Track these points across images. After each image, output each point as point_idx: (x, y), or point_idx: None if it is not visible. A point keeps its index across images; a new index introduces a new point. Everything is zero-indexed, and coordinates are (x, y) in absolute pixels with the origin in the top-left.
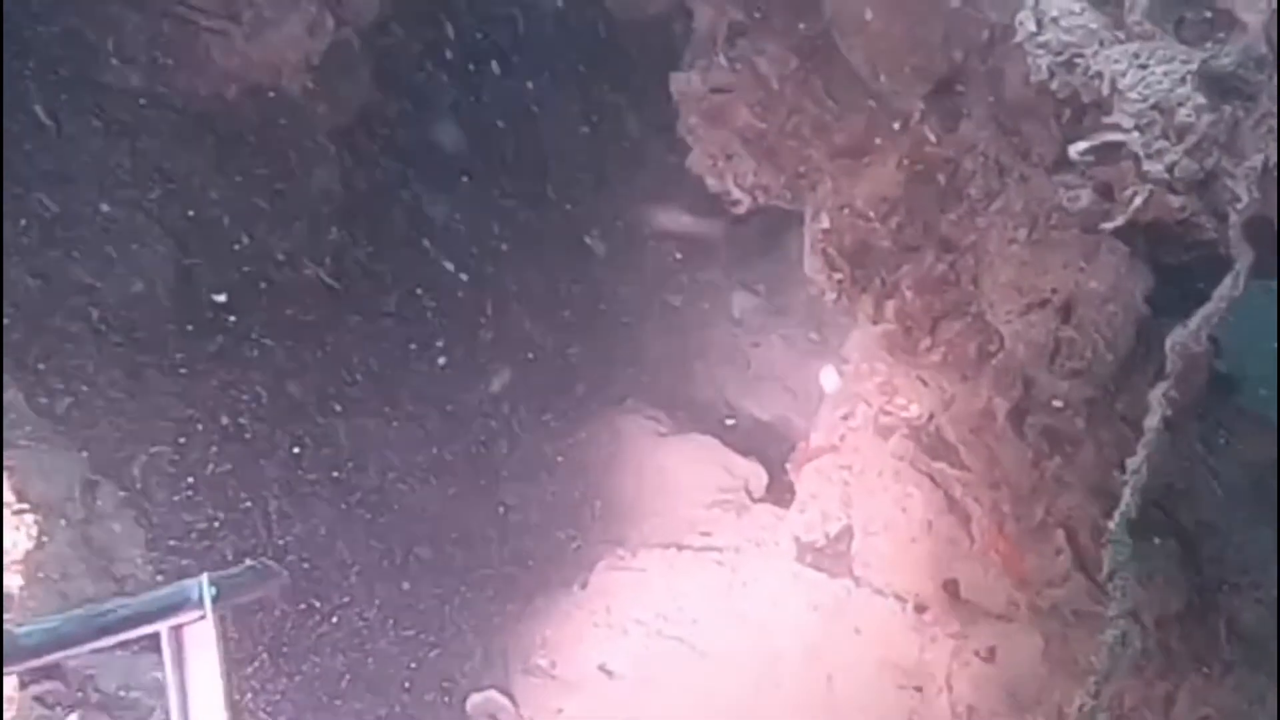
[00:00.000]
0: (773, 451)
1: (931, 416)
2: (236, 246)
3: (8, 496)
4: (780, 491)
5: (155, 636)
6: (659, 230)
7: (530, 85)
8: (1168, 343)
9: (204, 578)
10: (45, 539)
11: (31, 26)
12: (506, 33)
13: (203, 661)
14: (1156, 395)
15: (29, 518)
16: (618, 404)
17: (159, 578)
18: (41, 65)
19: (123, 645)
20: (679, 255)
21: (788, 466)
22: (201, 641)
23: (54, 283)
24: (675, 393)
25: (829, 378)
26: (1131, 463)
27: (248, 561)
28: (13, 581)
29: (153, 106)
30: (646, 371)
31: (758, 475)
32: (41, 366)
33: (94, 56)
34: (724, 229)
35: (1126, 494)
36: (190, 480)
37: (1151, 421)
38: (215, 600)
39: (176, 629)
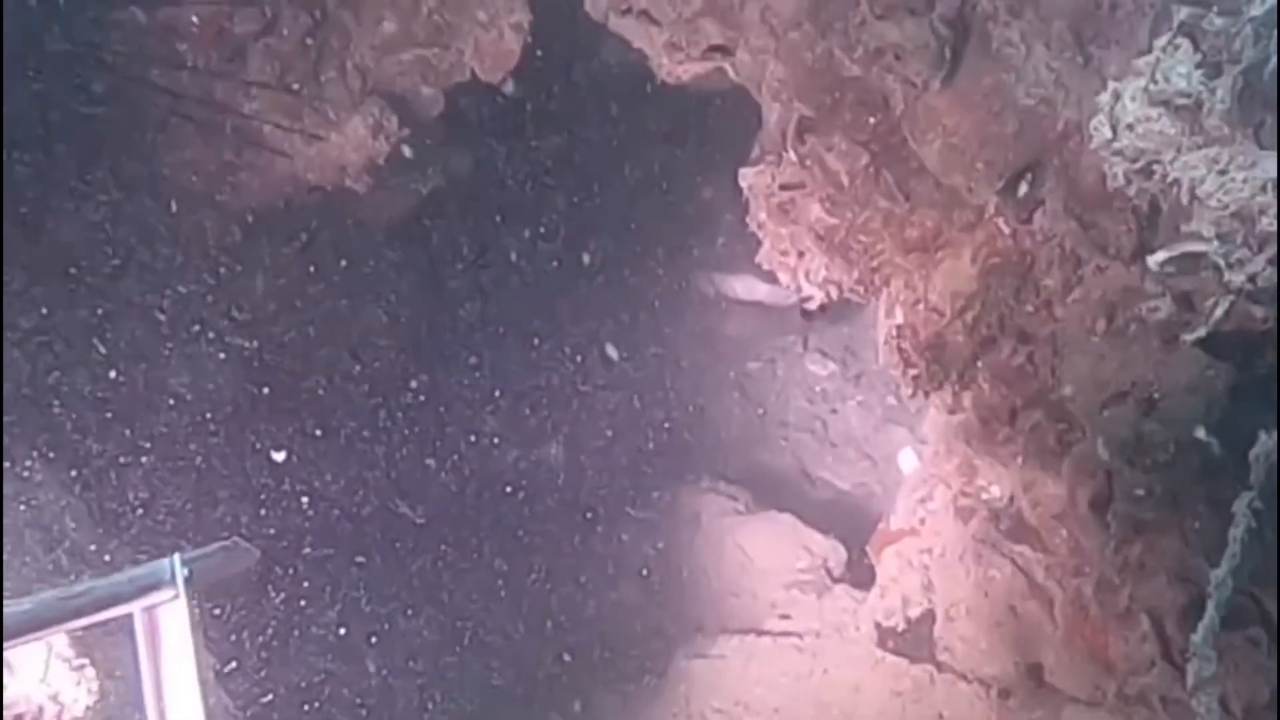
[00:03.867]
0: (852, 522)
1: (1012, 499)
2: (301, 351)
3: (67, 650)
4: (860, 569)
5: None
6: (733, 298)
7: (599, 158)
8: (1251, 454)
9: (176, 557)
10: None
11: (93, 132)
12: (572, 115)
13: (176, 641)
14: (1241, 506)
15: (89, 671)
16: (695, 482)
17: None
18: (102, 168)
19: None
20: (754, 322)
21: (868, 550)
22: (175, 621)
23: (112, 394)
24: (752, 465)
25: (907, 460)
26: (1215, 575)
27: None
28: None
29: (214, 209)
30: (723, 443)
31: (837, 553)
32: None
33: (153, 157)
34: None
35: (1210, 608)
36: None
37: (1236, 532)
38: (188, 581)
39: (150, 609)
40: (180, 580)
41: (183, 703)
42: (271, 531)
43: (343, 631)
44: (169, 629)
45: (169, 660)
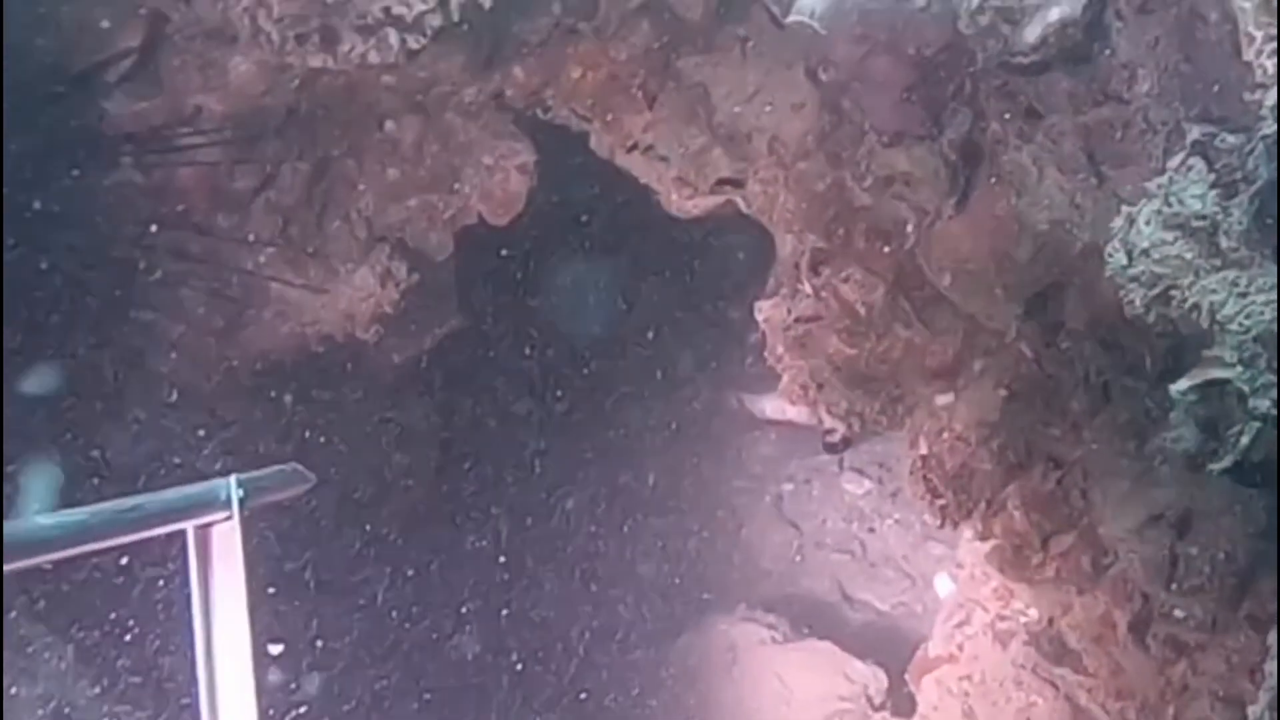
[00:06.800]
0: (894, 644)
1: (1051, 621)
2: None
3: None
4: (901, 695)
5: None
6: (764, 418)
7: (620, 283)
8: None
9: (232, 478)
10: None
11: (92, 296)
12: (585, 249)
13: (227, 562)
14: (1274, 638)
15: None
16: (731, 611)
17: None
18: (102, 332)
19: None
20: (787, 443)
21: (906, 676)
22: (226, 542)
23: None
24: (790, 589)
25: (943, 584)
26: (1252, 711)
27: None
28: None
29: (220, 368)
30: (760, 569)
31: (878, 679)
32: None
33: (156, 319)
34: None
35: None
36: None
37: (1272, 665)
38: (242, 502)
39: (203, 528)
40: (235, 501)
41: (230, 623)
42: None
43: None
44: (221, 550)
45: (219, 581)
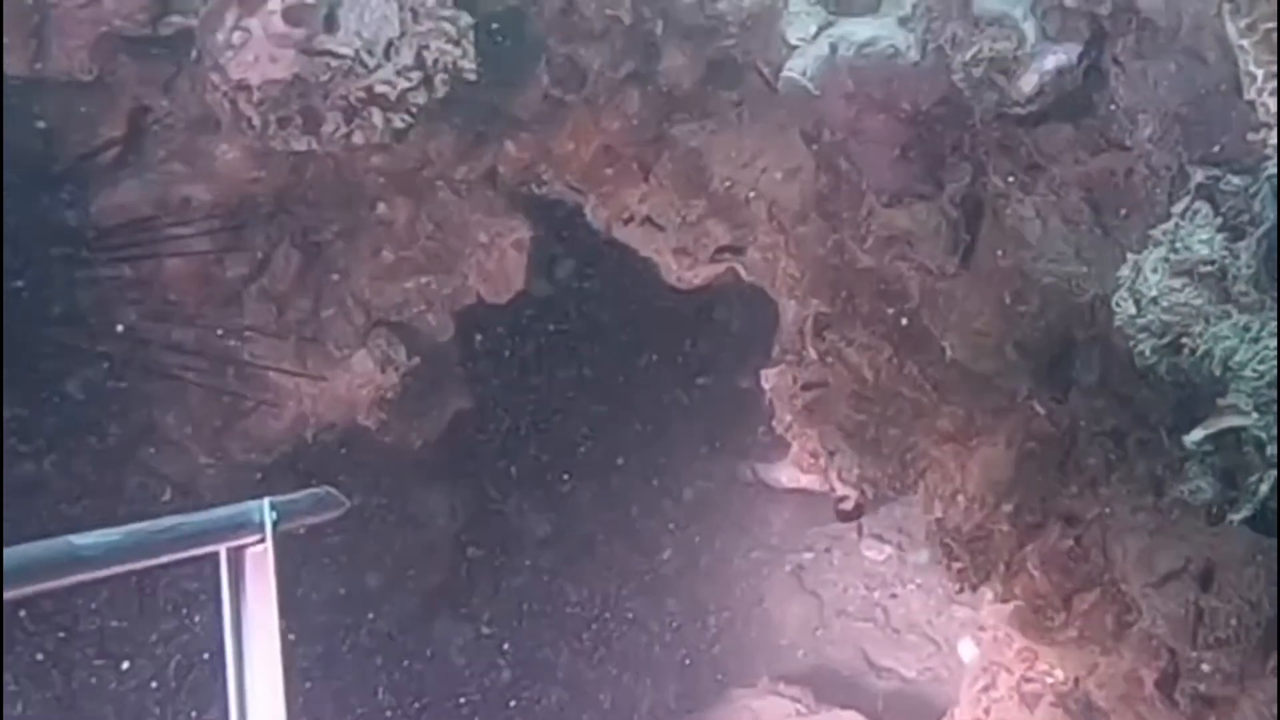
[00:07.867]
0: (920, 712)
1: (1077, 681)
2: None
3: None
4: None
5: None
6: (780, 487)
7: (625, 358)
8: None
9: (265, 501)
10: None
11: (84, 393)
12: (591, 324)
13: (259, 585)
14: None
15: None
16: (753, 686)
17: None
18: (96, 430)
19: None
20: (804, 511)
21: None
22: (259, 565)
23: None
24: (814, 660)
25: (967, 648)
26: None
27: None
28: None
29: (220, 463)
30: (782, 640)
31: None
32: None
33: (151, 416)
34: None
35: None
36: None
37: None
38: (275, 525)
39: (236, 550)
40: (268, 524)
41: (261, 647)
42: None
43: None
44: (253, 572)
45: (250, 604)
